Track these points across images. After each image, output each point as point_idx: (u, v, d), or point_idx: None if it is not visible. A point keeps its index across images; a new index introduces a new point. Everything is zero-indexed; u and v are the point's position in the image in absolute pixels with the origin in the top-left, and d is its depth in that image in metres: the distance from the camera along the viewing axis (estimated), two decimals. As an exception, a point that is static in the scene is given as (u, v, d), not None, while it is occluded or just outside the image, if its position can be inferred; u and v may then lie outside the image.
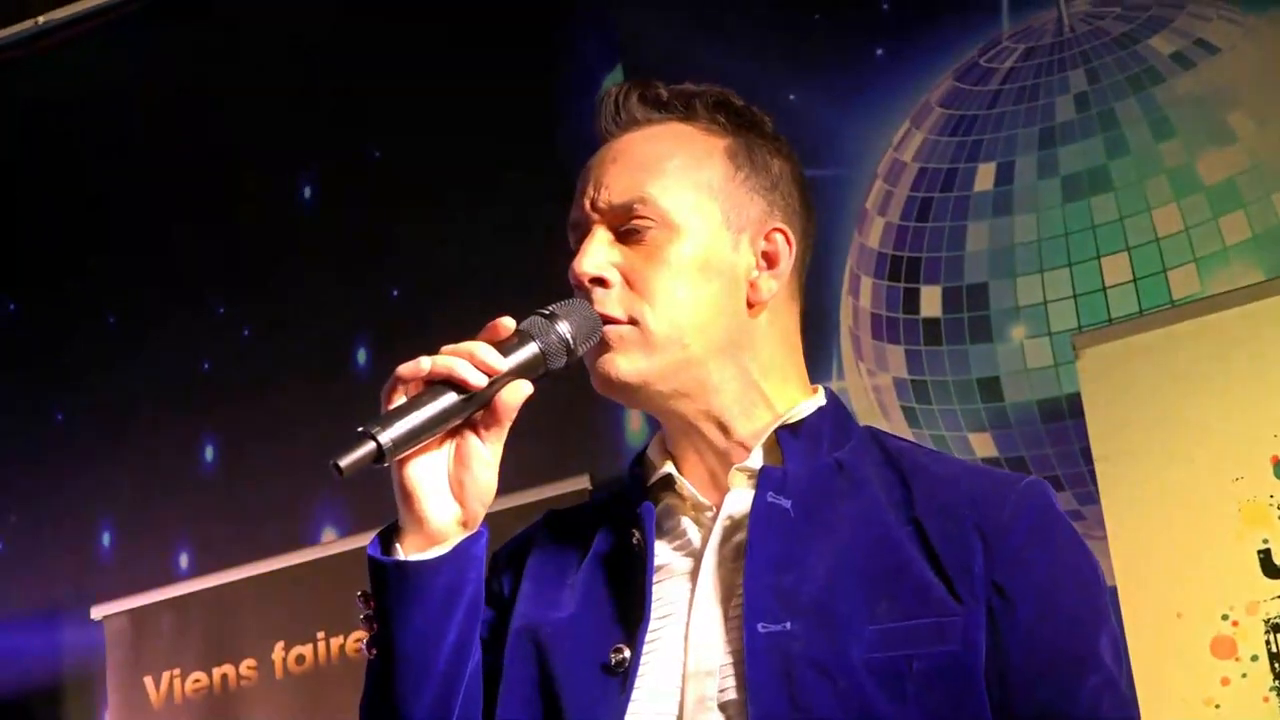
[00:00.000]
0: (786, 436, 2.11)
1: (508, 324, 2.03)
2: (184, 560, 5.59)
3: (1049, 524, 2.07)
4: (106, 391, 5.88)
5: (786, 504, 2.07)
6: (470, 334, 5.61)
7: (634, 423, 5.03)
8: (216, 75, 5.98)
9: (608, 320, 2.08)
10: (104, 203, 6.07)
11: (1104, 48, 4.72)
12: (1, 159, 6.33)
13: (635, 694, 2.03)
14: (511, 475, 5.46)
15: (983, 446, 4.62)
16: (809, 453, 2.11)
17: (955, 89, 4.84)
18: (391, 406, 1.96)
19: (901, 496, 2.09)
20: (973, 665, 2.00)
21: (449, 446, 2.00)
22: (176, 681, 5.40)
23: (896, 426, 4.73)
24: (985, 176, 4.74)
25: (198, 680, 5.34)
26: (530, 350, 2.01)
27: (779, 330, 2.16)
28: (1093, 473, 4.33)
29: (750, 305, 2.12)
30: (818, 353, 4.83)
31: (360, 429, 1.91)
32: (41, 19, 6.25)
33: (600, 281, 2.09)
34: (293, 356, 5.63)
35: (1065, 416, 4.52)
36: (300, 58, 5.87)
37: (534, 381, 1.98)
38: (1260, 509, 4.12)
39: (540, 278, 5.25)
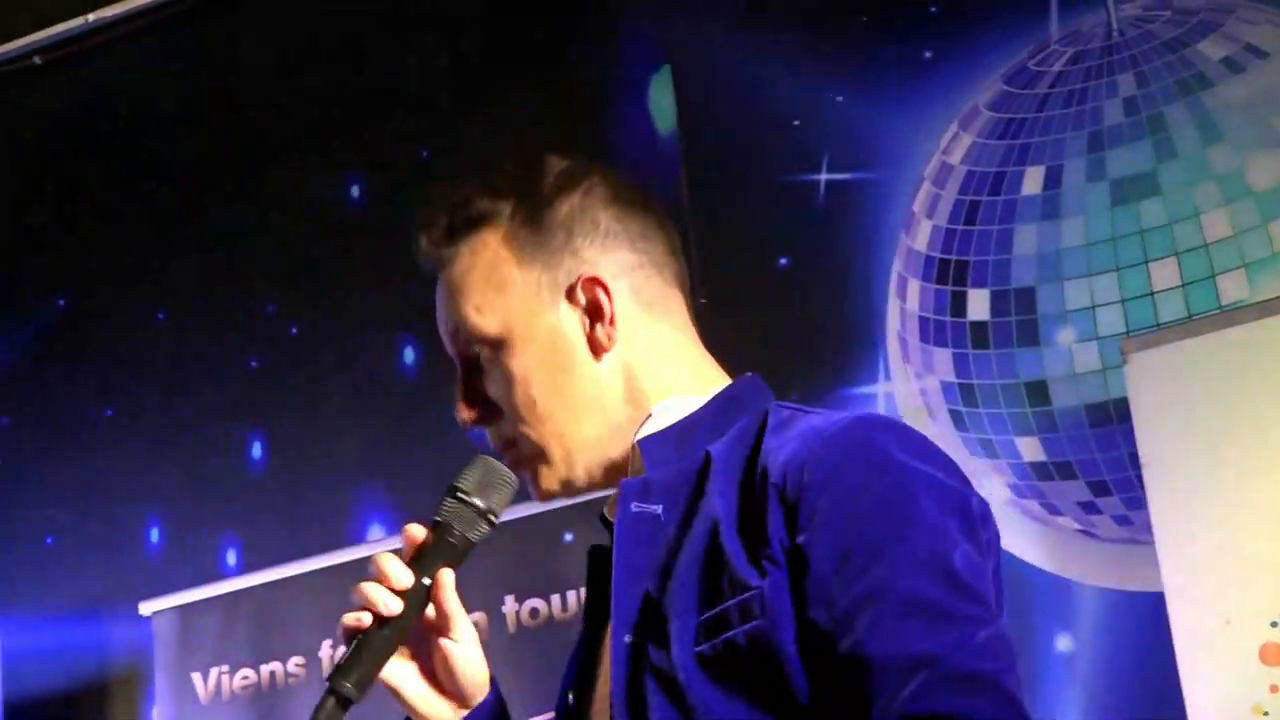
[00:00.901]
0: (648, 445, 2.11)
1: (414, 531, 2.15)
2: (232, 557, 5.62)
3: (844, 465, 2.01)
4: (156, 389, 5.93)
5: (657, 509, 2.08)
6: None
7: None
8: (267, 73, 6.01)
9: (505, 446, 2.18)
10: (154, 200, 6.11)
11: (1153, 52, 4.71)
12: (52, 156, 6.35)
13: None
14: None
15: (1030, 451, 4.64)
16: (676, 454, 2.11)
17: (1004, 92, 4.83)
18: (344, 655, 2.10)
19: (742, 476, 2.07)
20: (782, 636, 1.96)
21: (423, 654, 2.16)
22: (224, 678, 5.42)
23: (943, 429, 4.76)
24: (1033, 180, 4.75)
25: (246, 677, 5.36)
26: (449, 543, 2.14)
27: (635, 355, 2.18)
28: (1140, 478, 4.30)
29: (597, 354, 2.16)
30: (863, 355, 4.89)
31: (327, 683, 2.08)
32: (92, 16, 6.28)
33: (479, 421, 2.18)
34: (340, 355, 5.64)
35: (1113, 421, 4.51)
36: (350, 58, 5.88)
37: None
38: (1309, 515, 4.12)
39: None
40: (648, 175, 5.23)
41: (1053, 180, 4.72)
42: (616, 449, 2.14)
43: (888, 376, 4.88)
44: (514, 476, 2.16)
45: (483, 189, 2.20)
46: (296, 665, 5.32)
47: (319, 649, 5.31)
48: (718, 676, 1.99)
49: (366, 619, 2.08)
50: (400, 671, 2.14)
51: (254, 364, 5.79)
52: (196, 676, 5.43)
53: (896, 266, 4.89)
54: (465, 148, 5.59)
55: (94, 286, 6.14)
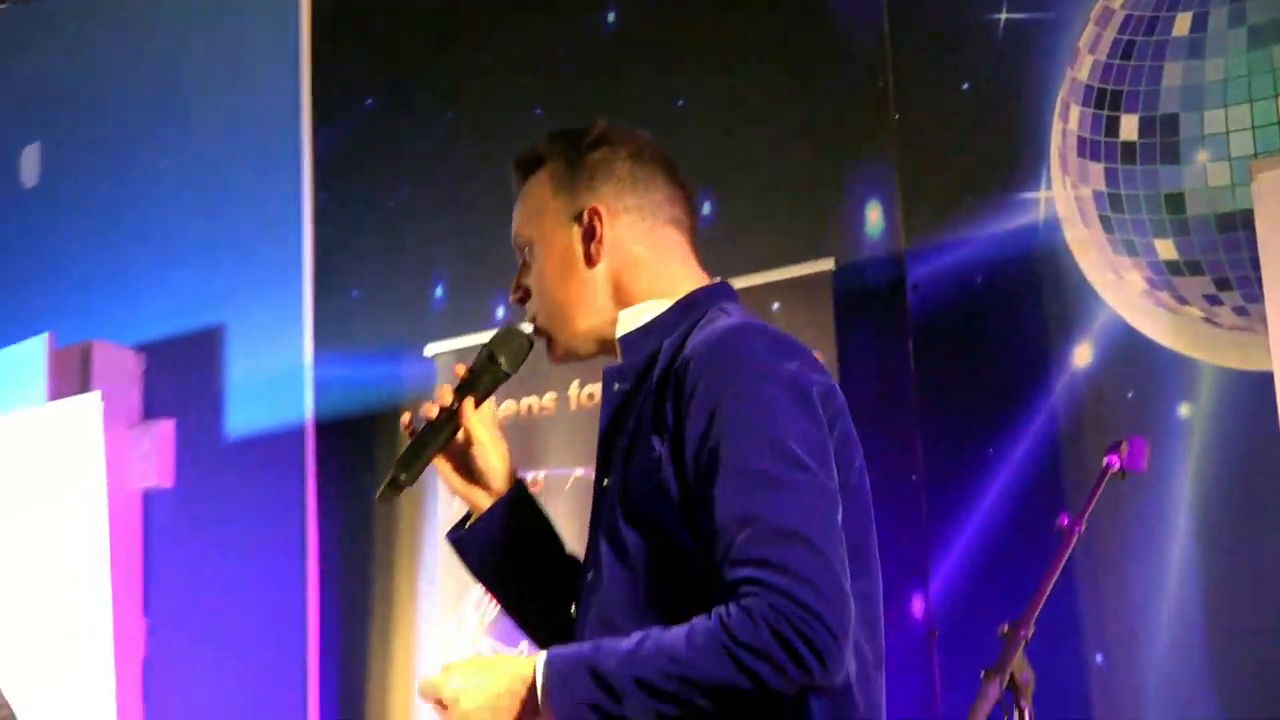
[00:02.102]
0: (625, 340, 2.43)
1: (458, 369, 2.58)
2: (500, 311, 5.71)
3: (715, 366, 2.25)
4: (445, 175, 6.01)
5: (628, 387, 2.39)
6: (735, 140, 5.54)
7: (872, 215, 5.07)
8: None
9: (533, 320, 2.54)
10: (446, 14, 6.14)
11: (1297, -88, 4.60)
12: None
13: None
14: (755, 255, 5.48)
15: (1165, 251, 4.59)
16: (643, 347, 2.40)
17: (1162, -55, 4.75)
18: (403, 450, 2.53)
19: (667, 363, 2.34)
20: (671, 488, 2.24)
21: (461, 457, 2.56)
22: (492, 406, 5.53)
23: (1094, 231, 4.71)
24: (1182, 24, 4.65)
25: (507, 407, 5.47)
26: (473, 383, 2.56)
27: (621, 268, 2.47)
28: (1259, 278, 4.28)
29: (591, 264, 2.47)
30: (1029, 167, 4.85)
31: (391, 470, 2.49)
32: None
33: (521, 300, 2.55)
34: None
35: (1238, 228, 4.44)
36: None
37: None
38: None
39: (802, 94, 5.29)
40: (852, 16, 5.23)
41: (1199, 25, 4.61)
42: (606, 333, 2.46)
43: (1049, 185, 4.81)
44: (530, 342, 2.55)
45: (547, 141, 2.54)
46: (550, 400, 5.42)
47: (569, 388, 5.41)
48: (632, 516, 2.30)
49: (419, 423, 2.55)
50: (446, 468, 2.54)
51: (526, 155, 5.86)
52: (469, 405, 5.54)
53: (1061, 93, 4.80)
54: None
55: (396, 89, 6.18)
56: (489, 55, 5.99)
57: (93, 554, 5.59)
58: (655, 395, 2.31)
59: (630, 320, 2.44)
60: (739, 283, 5.07)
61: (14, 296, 6.74)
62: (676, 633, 2.13)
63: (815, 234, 5.11)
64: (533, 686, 2.18)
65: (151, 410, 6.29)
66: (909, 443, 4.87)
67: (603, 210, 2.47)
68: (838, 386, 2.31)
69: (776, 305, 5.03)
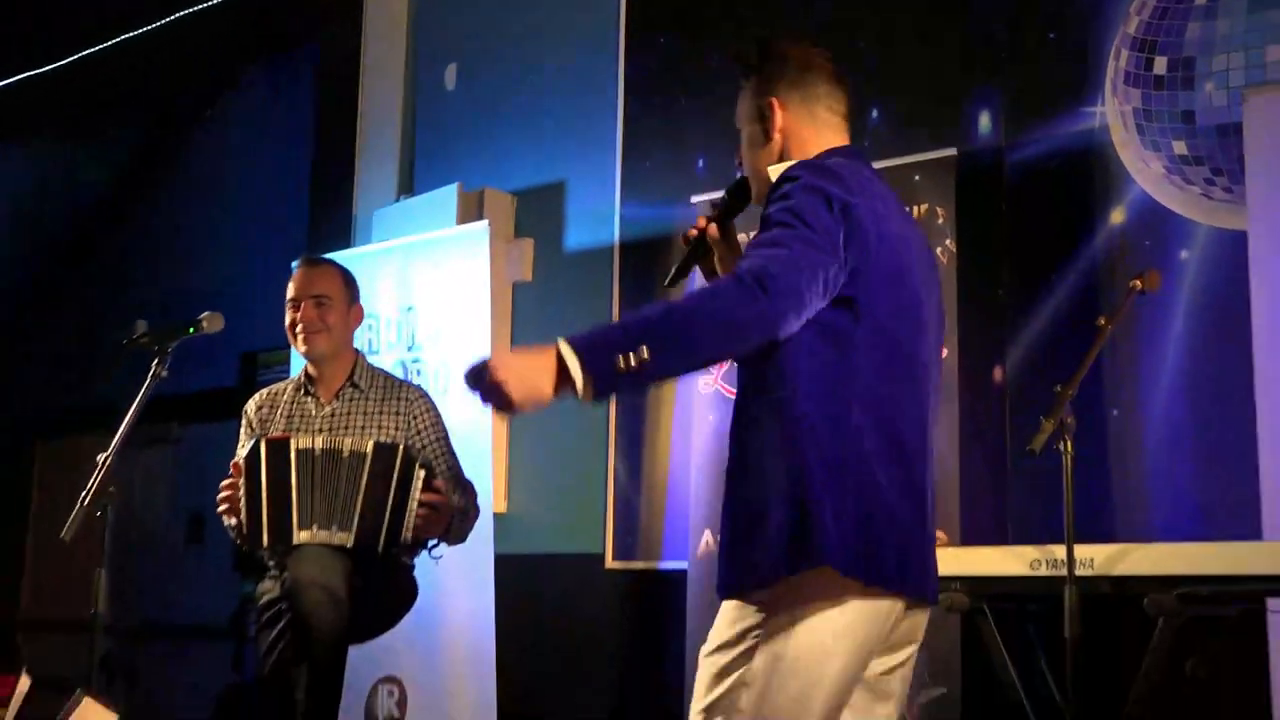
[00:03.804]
0: (772, 186, 2.33)
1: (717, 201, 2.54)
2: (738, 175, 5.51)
3: (778, 184, 2.25)
4: (704, 91, 5.72)
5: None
6: (895, 69, 5.28)
7: (984, 120, 4.98)
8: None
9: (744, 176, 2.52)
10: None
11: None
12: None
13: None
14: (906, 144, 5.24)
15: (1179, 148, 4.52)
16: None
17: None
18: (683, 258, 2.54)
19: None
20: None
21: (712, 263, 2.54)
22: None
23: (1131, 134, 4.63)
24: None
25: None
26: (720, 211, 2.50)
27: (787, 141, 2.41)
28: (1242, 168, 4.22)
29: (769, 139, 2.42)
30: (1092, 89, 4.74)
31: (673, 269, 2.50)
32: None
33: (740, 164, 2.51)
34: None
35: (1230, 135, 4.39)
36: None
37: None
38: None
39: (942, 39, 5.13)
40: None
41: (1215, -5, 4.66)
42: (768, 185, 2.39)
43: (1103, 103, 4.70)
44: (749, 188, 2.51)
45: (752, 54, 2.48)
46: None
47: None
48: None
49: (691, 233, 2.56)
50: (704, 270, 2.53)
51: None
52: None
53: (1115, 42, 4.70)
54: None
55: (685, 32, 5.86)
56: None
57: (479, 323, 5.61)
58: None
59: (775, 173, 2.37)
60: (894, 161, 5.24)
61: (439, 160, 6.83)
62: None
63: (945, 131, 5.04)
64: (558, 354, 2.04)
65: (520, 231, 6.33)
66: (999, 270, 4.85)
67: (774, 102, 2.42)
68: (868, 206, 2.24)
69: (917, 177, 4.93)
